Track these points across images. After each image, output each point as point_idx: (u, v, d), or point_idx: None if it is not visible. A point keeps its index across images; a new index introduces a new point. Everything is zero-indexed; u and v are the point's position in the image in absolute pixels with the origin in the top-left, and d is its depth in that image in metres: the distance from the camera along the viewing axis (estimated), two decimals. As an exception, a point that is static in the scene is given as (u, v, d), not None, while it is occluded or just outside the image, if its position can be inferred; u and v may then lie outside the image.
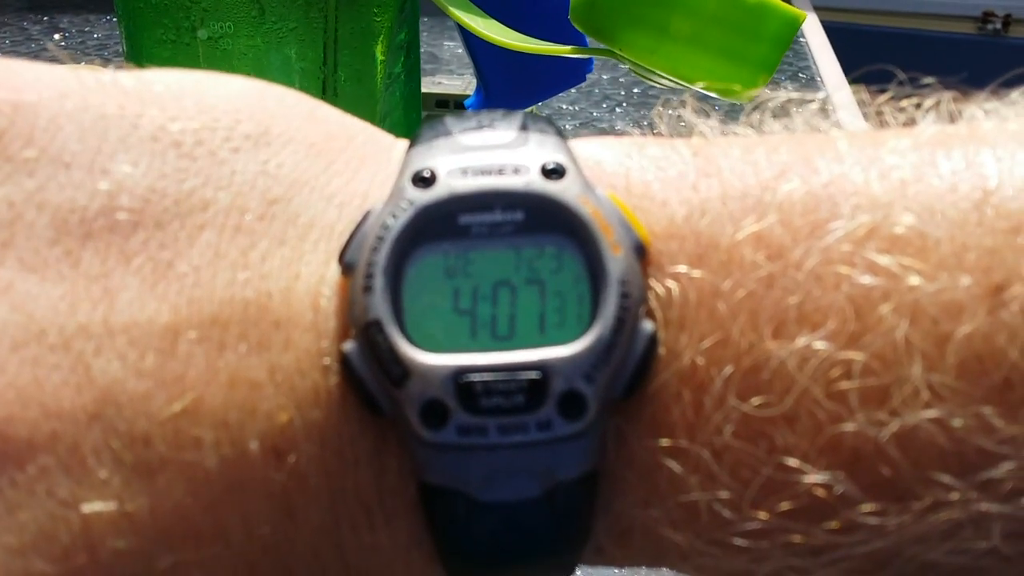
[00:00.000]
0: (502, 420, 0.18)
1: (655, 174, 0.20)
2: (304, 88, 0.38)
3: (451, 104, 0.69)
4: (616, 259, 0.19)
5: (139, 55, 0.38)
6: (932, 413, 0.18)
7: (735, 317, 0.18)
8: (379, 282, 0.19)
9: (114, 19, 0.95)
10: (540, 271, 0.19)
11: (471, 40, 0.43)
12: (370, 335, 0.18)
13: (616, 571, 0.40)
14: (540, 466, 0.19)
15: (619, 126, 0.78)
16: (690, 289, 0.19)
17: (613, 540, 0.20)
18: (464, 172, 0.19)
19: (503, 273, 0.19)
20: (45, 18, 0.96)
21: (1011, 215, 0.18)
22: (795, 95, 0.21)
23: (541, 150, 0.20)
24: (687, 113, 0.21)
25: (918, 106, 0.21)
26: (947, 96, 0.20)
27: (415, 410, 0.18)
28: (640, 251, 0.19)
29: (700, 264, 0.19)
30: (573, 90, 0.82)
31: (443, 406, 0.18)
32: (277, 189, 0.20)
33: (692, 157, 0.20)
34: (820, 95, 0.21)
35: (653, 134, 0.21)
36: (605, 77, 0.86)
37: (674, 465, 0.19)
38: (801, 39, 0.93)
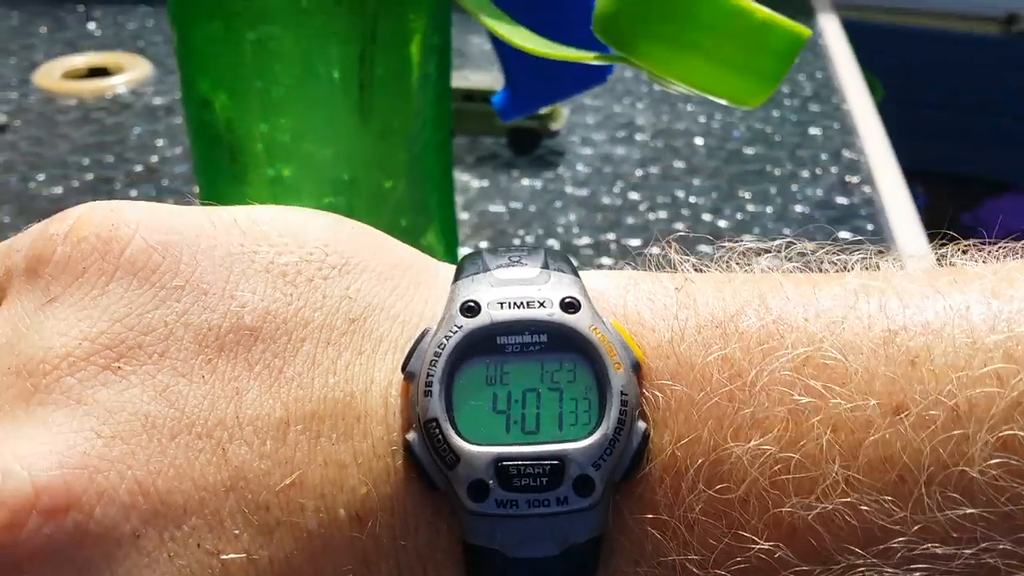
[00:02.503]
0: (530, 496, 0.23)
1: (647, 305, 0.25)
2: (343, 84, 0.40)
3: (477, 98, 0.71)
4: (618, 375, 0.23)
5: (188, 50, 0.40)
6: (846, 499, 0.22)
7: (705, 422, 0.23)
8: (436, 388, 0.23)
9: (146, 10, 0.98)
10: (559, 381, 0.24)
11: (499, 42, 0.45)
12: (429, 429, 0.23)
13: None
14: (558, 532, 0.23)
15: (639, 121, 0.80)
16: (672, 398, 0.24)
17: None
18: (501, 304, 0.24)
19: (531, 382, 0.24)
20: (80, 8, 0.99)
21: (909, 351, 0.23)
22: (759, 245, 0.26)
23: (560, 286, 0.24)
24: (672, 254, 0.26)
25: (847, 252, 0.26)
26: (872, 250, 0.25)
27: (463, 487, 0.23)
28: (636, 367, 0.24)
29: (679, 379, 0.24)
30: (595, 86, 0.84)
31: (485, 485, 0.23)
32: (357, 310, 0.24)
33: (675, 292, 0.25)
34: (776, 243, 0.26)
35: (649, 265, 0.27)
36: (628, 75, 0.88)
37: (657, 534, 0.23)
38: (820, 40, 0.95)
